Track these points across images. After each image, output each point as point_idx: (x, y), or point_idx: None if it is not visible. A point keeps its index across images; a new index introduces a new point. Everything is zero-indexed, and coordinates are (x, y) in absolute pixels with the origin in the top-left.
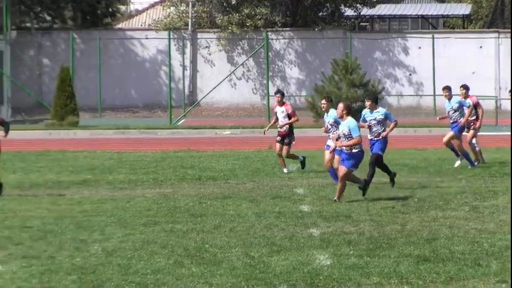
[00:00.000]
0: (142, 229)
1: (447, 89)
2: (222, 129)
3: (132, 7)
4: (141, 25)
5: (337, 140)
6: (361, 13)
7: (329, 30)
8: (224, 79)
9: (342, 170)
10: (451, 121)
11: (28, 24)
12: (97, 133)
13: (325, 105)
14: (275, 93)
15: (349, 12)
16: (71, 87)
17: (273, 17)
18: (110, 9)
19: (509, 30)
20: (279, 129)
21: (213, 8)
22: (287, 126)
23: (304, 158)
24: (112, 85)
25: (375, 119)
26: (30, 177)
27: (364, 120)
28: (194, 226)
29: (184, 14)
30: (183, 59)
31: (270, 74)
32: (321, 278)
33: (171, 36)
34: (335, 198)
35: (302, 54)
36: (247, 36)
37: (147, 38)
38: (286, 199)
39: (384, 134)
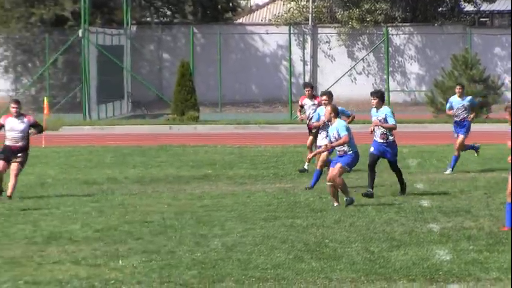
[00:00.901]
0: (262, 224)
1: (462, 85)
2: None
3: (252, 2)
4: (262, 20)
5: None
6: (481, 8)
7: (448, 25)
8: (344, 74)
9: (336, 167)
10: (458, 118)
11: (148, 19)
12: (217, 128)
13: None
14: (304, 87)
15: (468, 7)
16: (191, 82)
17: (393, 12)
18: (231, 4)
19: None
20: (309, 122)
21: (334, 3)
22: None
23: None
24: (232, 80)
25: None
26: (151, 172)
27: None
28: (314, 221)
29: (304, 9)
30: (304, 54)
31: (390, 69)
32: (440, 273)
33: (292, 31)
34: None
35: (422, 50)
36: (367, 32)
37: (267, 33)
38: (406, 194)
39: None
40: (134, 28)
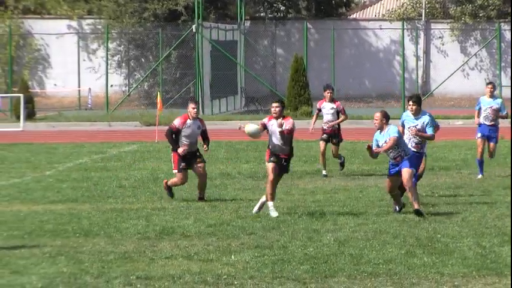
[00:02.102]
0: (374, 219)
1: (493, 85)
2: (455, 119)
3: None
4: (375, 15)
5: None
6: None
7: None
8: (457, 70)
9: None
10: (488, 122)
11: (262, 14)
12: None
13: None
14: (325, 89)
15: None
16: (304, 77)
17: (506, 7)
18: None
19: None
20: (325, 127)
21: None
22: (336, 124)
23: (343, 158)
24: (346, 75)
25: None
26: (264, 167)
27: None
28: (426, 216)
29: (418, 5)
30: (417, 49)
31: (503, 64)
32: None
33: (405, 27)
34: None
35: None
36: (479, 27)
37: (380, 28)
38: None
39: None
40: (248, 23)
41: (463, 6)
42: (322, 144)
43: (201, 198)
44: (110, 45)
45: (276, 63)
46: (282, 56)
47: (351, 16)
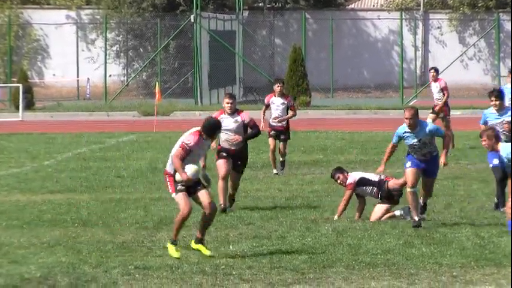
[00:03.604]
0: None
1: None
2: (453, 109)
3: None
4: (373, 5)
5: None
6: None
7: None
8: (455, 60)
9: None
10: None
11: (260, 4)
12: (329, 113)
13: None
14: (274, 82)
15: None
16: (303, 67)
17: None
18: None
19: None
20: (273, 123)
21: None
22: (285, 121)
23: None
24: (344, 65)
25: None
26: (262, 157)
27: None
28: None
29: None
30: (415, 39)
31: (501, 55)
32: None
33: (403, 17)
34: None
35: None
36: (478, 17)
37: (379, 19)
38: None
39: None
40: (246, 13)
41: None
42: (271, 141)
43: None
44: (109, 35)
45: (275, 54)
46: (280, 46)
47: (349, 6)
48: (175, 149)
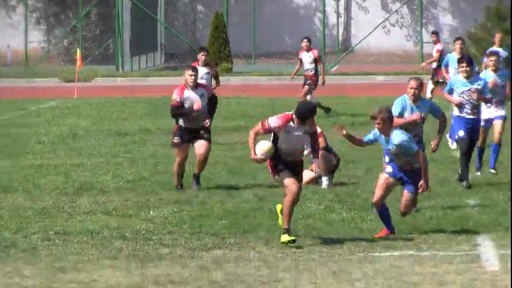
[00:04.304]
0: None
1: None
2: (376, 75)
3: None
4: None
5: None
6: None
7: None
8: (378, 26)
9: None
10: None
11: None
12: (250, 79)
13: None
14: (199, 51)
15: None
16: (225, 34)
17: None
18: None
19: None
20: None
21: None
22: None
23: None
24: (266, 32)
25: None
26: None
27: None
28: (346, 172)
29: None
30: (337, 5)
31: (424, 21)
32: (470, 223)
33: None
34: None
35: (455, 1)
36: None
37: None
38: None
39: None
40: None
41: None
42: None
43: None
44: (29, 2)
45: (196, 20)
46: (203, 12)
47: None
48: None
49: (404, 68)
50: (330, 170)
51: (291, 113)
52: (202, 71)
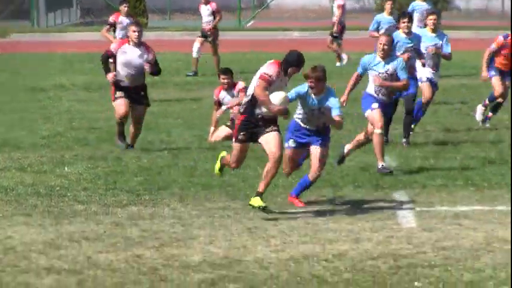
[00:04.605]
0: (208, 129)
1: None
2: (291, 31)
3: None
4: None
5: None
6: None
7: None
8: None
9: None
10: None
11: None
12: (165, 35)
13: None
14: (120, 3)
15: None
16: None
17: None
18: None
19: None
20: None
21: None
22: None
23: None
24: None
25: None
26: (99, 79)
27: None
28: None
29: None
30: None
31: None
32: (386, 180)
33: None
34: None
35: None
36: None
37: None
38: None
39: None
40: None
41: None
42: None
43: (131, 146)
44: None
45: None
46: None
47: None
48: (255, 82)
49: (320, 23)
50: None
51: (277, 61)
52: (125, 21)
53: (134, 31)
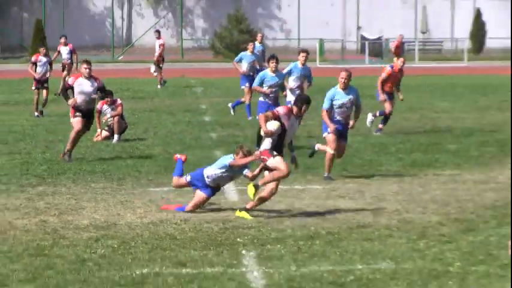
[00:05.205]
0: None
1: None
2: (149, 63)
3: None
4: None
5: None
6: None
7: None
8: (150, 28)
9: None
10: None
11: None
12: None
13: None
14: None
15: None
16: (43, 34)
17: None
18: None
19: None
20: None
21: None
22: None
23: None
24: (73, 31)
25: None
26: (14, 97)
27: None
28: (129, 131)
29: None
30: (122, 13)
31: (184, 23)
32: None
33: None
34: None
35: (206, 9)
36: (166, 3)
37: None
38: (193, 112)
39: None
40: None
41: None
42: None
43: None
44: None
45: (24, 23)
46: (26, 18)
47: None
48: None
49: (169, 57)
50: (121, 131)
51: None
52: (43, 60)
53: (86, 68)
